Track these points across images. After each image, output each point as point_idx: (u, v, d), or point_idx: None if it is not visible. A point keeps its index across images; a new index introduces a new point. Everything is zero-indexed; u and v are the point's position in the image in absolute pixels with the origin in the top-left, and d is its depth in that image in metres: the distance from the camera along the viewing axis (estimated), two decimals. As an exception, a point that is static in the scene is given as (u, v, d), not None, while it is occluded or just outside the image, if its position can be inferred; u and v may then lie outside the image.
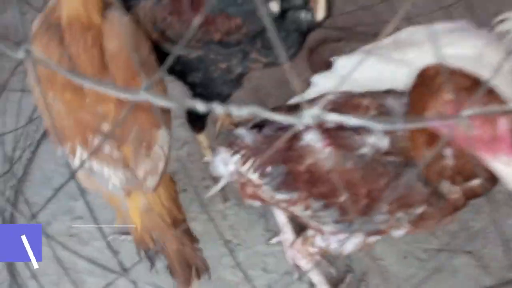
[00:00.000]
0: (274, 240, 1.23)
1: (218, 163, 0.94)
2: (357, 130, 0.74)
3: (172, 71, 1.07)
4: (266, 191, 0.84)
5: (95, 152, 0.88)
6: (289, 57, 0.98)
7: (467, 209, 1.28)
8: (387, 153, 0.72)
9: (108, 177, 0.89)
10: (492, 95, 0.63)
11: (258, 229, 1.28)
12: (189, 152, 1.44)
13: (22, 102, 1.29)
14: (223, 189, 1.34)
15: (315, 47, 1.42)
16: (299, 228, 1.11)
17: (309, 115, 0.40)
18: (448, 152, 0.71)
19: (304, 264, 1.04)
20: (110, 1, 0.91)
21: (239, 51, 0.95)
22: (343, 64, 0.97)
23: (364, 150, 0.74)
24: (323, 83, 0.96)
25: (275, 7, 0.90)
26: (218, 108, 0.42)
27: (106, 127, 0.87)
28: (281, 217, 1.14)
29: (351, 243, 0.86)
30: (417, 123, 0.39)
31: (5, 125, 1.31)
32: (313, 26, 0.94)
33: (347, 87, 0.85)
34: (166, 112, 0.96)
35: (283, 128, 0.82)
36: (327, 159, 0.75)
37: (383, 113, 0.75)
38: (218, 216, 1.31)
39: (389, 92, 0.79)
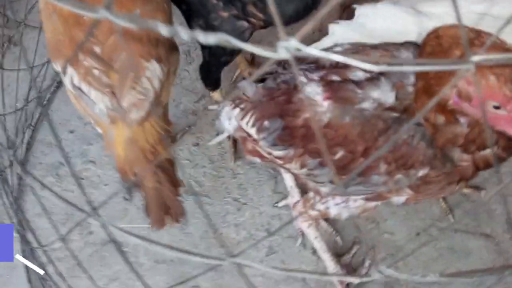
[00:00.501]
0: (281, 204, 1.20)
1: (223, 118, 0.90)
2: (361, 84, 0.68)
3: (180, 9, 1.03)
4: (263, 147, 0.79)
5: (84, 74, 0.86)
6: (291, 15, 0.89)
7: (491, 191, 1.20)
8: (391, 108, 0.66)
9: (95, 100, 0.88)
10: None
11: (266, 190, 1.24)
12: (205, 106, 1.40)
13: (42, 40, 1.29)
14: (234, 148, 1.31)
15: (348, 4, 1.33)
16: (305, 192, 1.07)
17: (284, 47, 0.35)
18: (463, 120, 0.65)
19: (305, 228, 1.00)
20: None
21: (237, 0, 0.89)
22: (365, 12, 0.88)
23: (366, 105, 0.68)
24: (341, 33, 0.88)
25: None
26: (182, 34, 0.38)
27: (98, 49, 0.85)
28: (288, 180, 1.10)
29: (350, 208, 0.81)
30: (423, 66, 0.33)
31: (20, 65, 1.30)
32: None
33: (365, 37, 0.78)
34: (163, 44, 0.90)
35: (286, 81, 0.77)
36: (325, 113, 0.70)
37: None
38: (228, 173, 1.28)
39: (404, 45, 0.72)
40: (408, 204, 0.82)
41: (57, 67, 0.92)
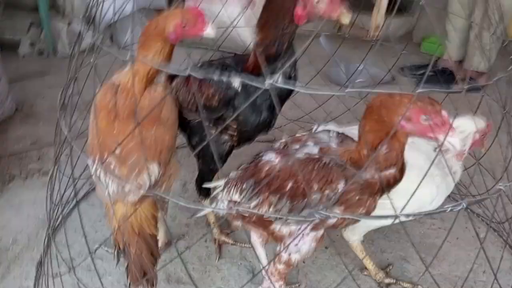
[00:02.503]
0: (259, 289, 1.46)
1: (219, 205, 1.27)
2: (297, 148, 1.14)
3: (184, 132, 1.49)
4: (244, 204, 1.15)
5: (105, 167, 1.23)
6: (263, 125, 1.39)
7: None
8: (316, 156, 1.11)
9: (107, 186, 1.24)
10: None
11: (245, 281, 1.51)
12: (196, 220, 1.75)
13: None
14: (219, 248, 1.62)
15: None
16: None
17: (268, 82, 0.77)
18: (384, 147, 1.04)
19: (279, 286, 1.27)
20: (162, 82, 1.34)
21: (219, 119, 1.34)
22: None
23: (300, 156, 1.12)
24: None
25: (236, 82, 1.31)
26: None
27: (118, 151, 1.23)
28: (263, 258, 1.40)
29: (305, 244, 1.14)
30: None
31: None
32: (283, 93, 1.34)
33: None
34: (165, 155, 1.28)
35: (254, 161, 1.21)
36: (277, 164, 1.13)
37: (315, 141, 1.16)
38: (213, 269, 1.56)
39: (322, 131, 1.20)
40: (339, 225, 1.14)
41: (89, 161, 1.28)
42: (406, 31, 3.59)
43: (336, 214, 0.99)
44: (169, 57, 1.31)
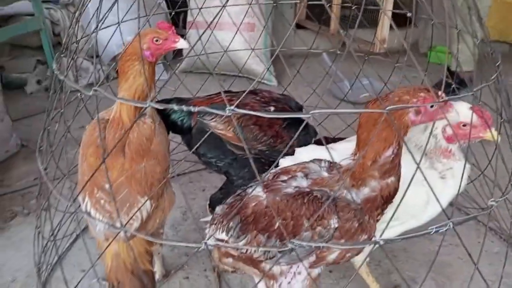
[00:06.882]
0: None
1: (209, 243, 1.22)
2: (286, 180, 1.07)
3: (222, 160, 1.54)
4: (231, 243, 1.09)
5: (95, 203, 1.20)
6: None
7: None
8: (306, 189, 1.03)
9: (97, 222, 1.20)
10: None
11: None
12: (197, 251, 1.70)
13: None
14: (219, 278, 1.57)
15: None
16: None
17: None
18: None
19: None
20: (150, 113, 1.33)
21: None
22: (299, 151, 1.41)
23: (289, 190, 1.05)
24: (286, 163, 1.30)
25: None
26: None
27: (107, 186, 1.20)
28: (261, 285, 1.34)
29: (298, 282, 1.06)
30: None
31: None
32: None
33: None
34: (156, 188, 1.25)
35: (240, 194, 1.15)
36: (264, 199, 1.05)
37: (305, 171, 1.08)
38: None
39: (312, 161, 1.13)
40: (341, 260, 1.06)
41: (80, 198, 1.25)
42: (411, 42, 3.54)
43: (311, 243, 0.92)
44: (151, 77, 1.30)
